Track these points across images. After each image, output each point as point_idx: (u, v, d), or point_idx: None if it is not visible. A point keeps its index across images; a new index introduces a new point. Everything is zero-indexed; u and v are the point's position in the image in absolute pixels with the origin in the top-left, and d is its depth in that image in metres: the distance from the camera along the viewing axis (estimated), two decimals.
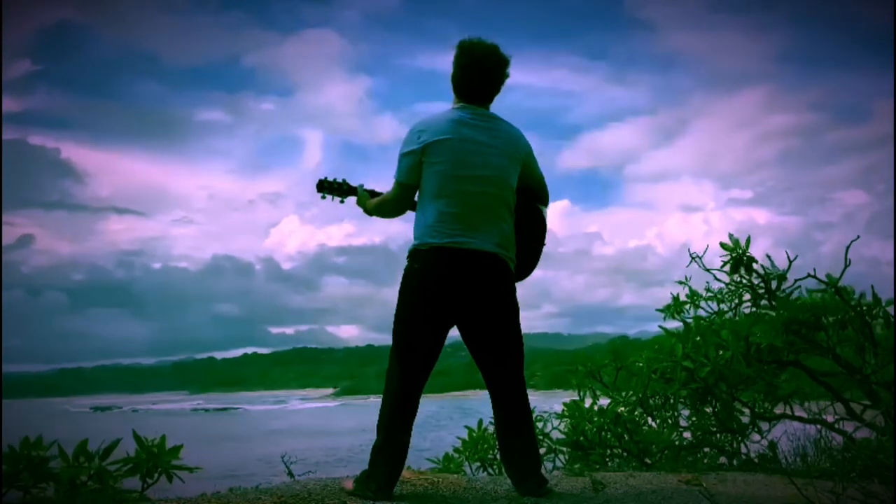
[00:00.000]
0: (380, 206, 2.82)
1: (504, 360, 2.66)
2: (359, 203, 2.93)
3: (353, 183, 2.97)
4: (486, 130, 2.65)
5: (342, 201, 2.96)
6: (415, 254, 2.61)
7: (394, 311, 2.63)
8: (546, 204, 2.89)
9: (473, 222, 2.57)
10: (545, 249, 2.87)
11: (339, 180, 2.95)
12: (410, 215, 2.76)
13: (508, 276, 2.66)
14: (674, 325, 4.53)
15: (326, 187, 2.95)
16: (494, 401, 2.69)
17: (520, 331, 2.69)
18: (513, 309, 2.67)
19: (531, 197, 2.82)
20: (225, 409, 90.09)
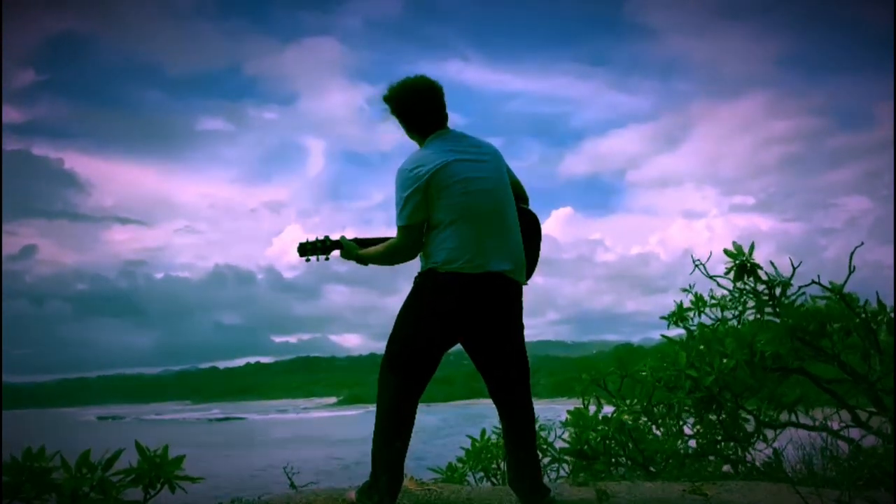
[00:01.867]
0: (389, 254, 2.67)
1: (510, 376, 2.67)
2: (346, 256, 2.81)
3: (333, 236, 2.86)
4: (470, 148, 2.66)
5: (327, 258, 2.85)
6: (430, 274, 2.57)
7: (394, 322, 2.62)
8: (527, 203, 2.91)
9: (487, 241, 2.56)
10: (543, 254, 2.89)
11: (321, 238, 2.85)
12: None
13: (519, 297, 2.67)
14: (677, 332, 4.53)
15: (309, 249, 2.85)
16: (502, 415, 2.71)
17: (524, 348, 2.71)
18: (520, 328, 2.69)
19: (518, 199, 2.83)
20: (228, 418, 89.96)
